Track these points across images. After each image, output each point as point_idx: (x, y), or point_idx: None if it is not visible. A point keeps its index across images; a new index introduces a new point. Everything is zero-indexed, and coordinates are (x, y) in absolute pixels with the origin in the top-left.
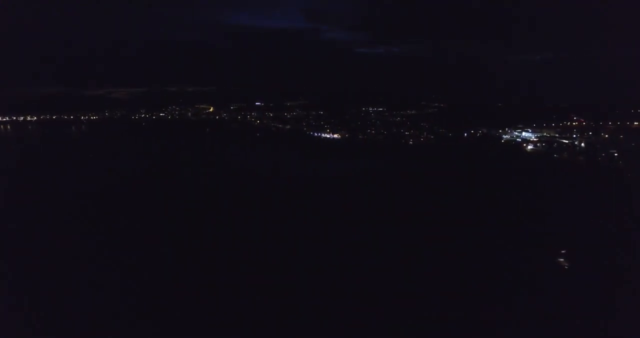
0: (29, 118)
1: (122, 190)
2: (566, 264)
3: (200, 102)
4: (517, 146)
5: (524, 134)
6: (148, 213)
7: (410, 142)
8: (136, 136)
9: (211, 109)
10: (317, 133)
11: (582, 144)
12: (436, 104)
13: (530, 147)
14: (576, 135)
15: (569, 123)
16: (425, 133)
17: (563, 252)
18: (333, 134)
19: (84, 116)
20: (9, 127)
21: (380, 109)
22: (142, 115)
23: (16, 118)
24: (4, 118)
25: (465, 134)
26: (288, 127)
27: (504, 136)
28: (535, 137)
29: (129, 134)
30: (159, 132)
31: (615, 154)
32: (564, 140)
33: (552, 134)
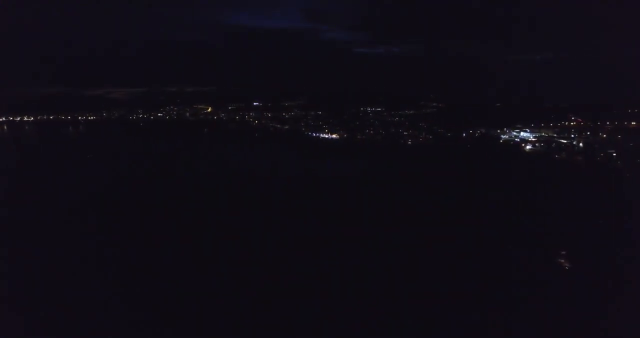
0: (25, 118)
1: (119, 190)
2: (567, 265)
3: (199, 102)
4: (516, 146)
5: (522, 134)
6: (145, 213)
7: (409, 142)
8: (133, 136)
9: (209, 109)
10: (316, 133)
11: (581, 144)
12: (435, 104)
13: (528, 147)
14: (574, 135)
15: (567, 123)
16: (423, 133)
17: (563, 252)
18: (331, 134)
19: (82, 116)
20: (5, 127)
21: (379, 109)
22: (140, 116)
23: (13, 118)
24: (0, 118)
25: (464, 134)
26: (286, 127)
27: (502, 136)
28: (534, 137)
29: (126, 134)
30: (156, 132)
31: (614, 154)
32: (563, 140)
33: (550, 134)
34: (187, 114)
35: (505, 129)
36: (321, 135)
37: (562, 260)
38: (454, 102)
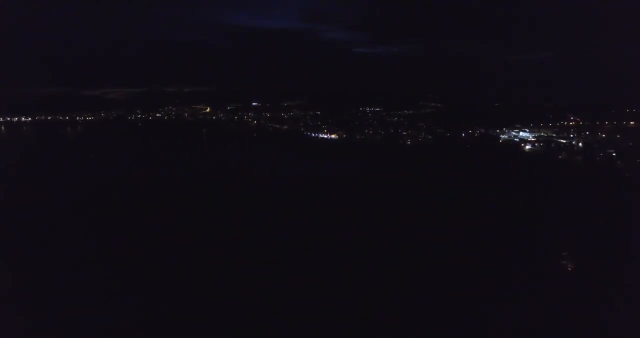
0: (23, 119)
1: (117, 191)
2: (569, 266)
3: (197, 103)
4: (516, 146)
5: (521, 133)
6: (144, 214)
7: (408, 142)
8: (132, 137)
9: (208, 110)
10: (315, 133)
11: (580, 144)
12: (434, 104)
13: (528, 147)
14: (574, 135)
15: (566, 123)
16: (423, 133)
17: (565, 253)
18: (330, 134)
19: (79, 117)
20: (2, 128)
21: (378, 109)
22: (139, 116)
23: (10, 119)
24: None
25: (463, 134)
26: (285, 127)
27: (502, 136)
28: (533, 137)
29: (124, 135)
30: (155, 132)
31: (614, 154)
32: (562, 140)
33: (549, 134)
34: (186, 114)
35: (504, 129)
36: (320, 135)
37: (564, 262)
38: (454, 102)
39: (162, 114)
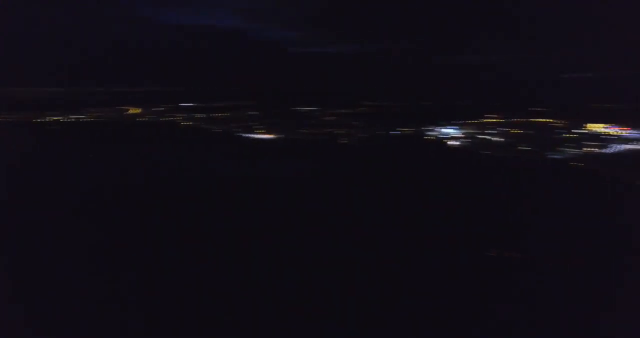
0: None
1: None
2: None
3: (124, 103)
4: (441, 143)
5: (448, 131)
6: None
7: (343, 141)
8: (45, 140)
9: (134, 110)
10: (249, 134)
11: (500, 139)
12: (370, 103)
13: (453, 142)
14: (495, 131)
15: (489, 120)
16: (357, 132)
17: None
18: (265, 134)
19: None
20: None
21: (314, 109)
22: (56, 118)
23: None
24: None
25: (394, 132)
26: (218, 128)
27: (429, 133)
28: (458, 134)
29: (37, 138)
30: (73, 135)
31: (528, 149)
32: (484, 136)
33: (473, 131)
34: (111, 116)
35: (432, 127)
36: (254, 135)
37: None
38: (388, 101)
39: (85, 115)
